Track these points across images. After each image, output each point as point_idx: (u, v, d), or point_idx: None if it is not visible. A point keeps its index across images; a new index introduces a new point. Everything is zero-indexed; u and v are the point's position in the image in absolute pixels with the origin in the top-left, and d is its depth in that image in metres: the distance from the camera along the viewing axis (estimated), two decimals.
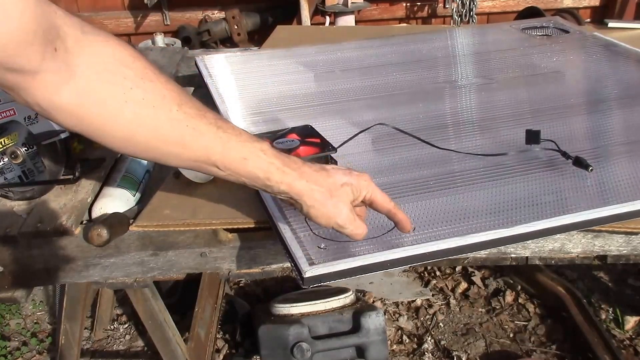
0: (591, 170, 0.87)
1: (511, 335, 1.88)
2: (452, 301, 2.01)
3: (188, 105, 0.65)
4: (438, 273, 2.14)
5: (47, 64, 0.56)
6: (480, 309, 1.99)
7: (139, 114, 0.62)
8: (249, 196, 0.91)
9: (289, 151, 0.92)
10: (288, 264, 0.84)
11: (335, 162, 0.94)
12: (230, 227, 0.88)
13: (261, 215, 0.85)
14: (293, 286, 1.92)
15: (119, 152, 0.66)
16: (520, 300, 2.00)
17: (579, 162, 0.88)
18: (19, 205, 0.97)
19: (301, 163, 0.72)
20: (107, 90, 0.61)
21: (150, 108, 0.63)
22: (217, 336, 1.82)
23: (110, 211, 0.93)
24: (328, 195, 0.70)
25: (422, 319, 1.96)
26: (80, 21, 0.60)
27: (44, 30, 0.55)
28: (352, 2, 2.68)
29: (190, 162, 0.68)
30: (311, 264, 0.70)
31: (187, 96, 0.66)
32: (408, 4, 2.94)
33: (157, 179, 1.04)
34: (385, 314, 1.91)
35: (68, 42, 0.58)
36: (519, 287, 2.05)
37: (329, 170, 0.73)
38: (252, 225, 0.86)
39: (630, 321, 1.88)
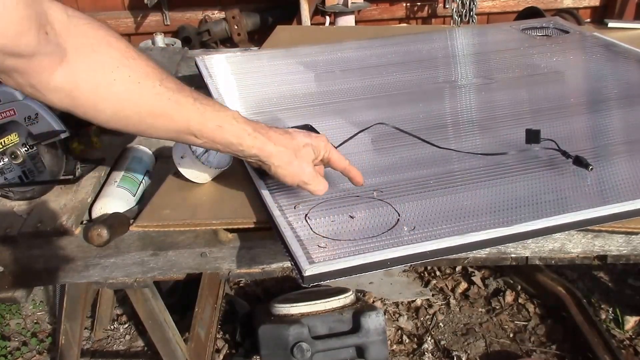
0: (591, 169, 0.87)
1: (511, 335, 1.88)
2: (452, 301, 2.01)
3: (168, 81, 0.70)
4: (438, 273, 2.14)
5: (41, 48, 0.60)
6: (480, 309, 1.99)
7: (126, 90, 0.67)
8: (249, 196, 0.91)
9: None
10: (288, 264, 0.84)
11: None
12: (230, 227, 0.88)
13: (261, 215, 0.85)
14: (293, 286, 1.91)
15: (109, 127, 0.73)
16: (520, 300, 2.00)
17: (579, 162, 0.88)
18: (19, 205, 0.97)
19: (268, 128, 0.78)
20: (97, 69, 0.65)
21: (135, 84, 0.68)
22: (217, 336, 1.82)
23: (110, 211, 0.93)
24: (293, 155, 0.78)
25: (422, 319, 1.96)
26: (63, 5, 0.63)
27: (36, 15, 0.58)
28: (352, 2, 2.67)
29: (172, 134, 0.74)
30: (311, 262, 0.70)
31: (166, 73, 0.71)
32: (408, 4, 2.94)
33: (157, 179, 1.04)
34: (385, 314, 1.91)
35: (56, 26, 0.61)
36: (519, 287, 2.05)
37: (292, 133, 0.81)
38: (252, 225, 0.86)
39: (630, 321, 1.88)
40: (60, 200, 0.96)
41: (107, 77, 0.65)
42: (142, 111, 0.69)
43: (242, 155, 0.78)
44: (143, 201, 0.99)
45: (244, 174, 0.95)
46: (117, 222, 0.88)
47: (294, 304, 1.64)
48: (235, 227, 0.88)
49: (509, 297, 2.01)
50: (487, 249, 0.86)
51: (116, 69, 0.66)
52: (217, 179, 0.95)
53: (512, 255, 0.92)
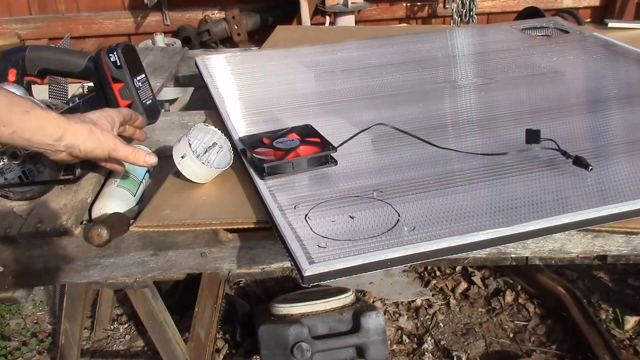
0: (591, 169, 0.87)
1: (511, 335, 1.88)
2: (452, 301, 2.01)
3: None
4: (438, 273, 2.14)
5: None
6: (480, 309, 1.99)
7: None
8: (249, 196, 0.91)
9: (288, 151, 0.92)
10: (288, 264, 0.84)
11: (335, 162, 0.94)
12: (230, 227, 0.88)
13: (261, 215, 0.85)
14: (293, 286, 1.92)
15: None
16: (520, 300, 2.00)
17: (579, 162, 0.88)
18: (19, 206, 0.97)
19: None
20: None
21: None
22: (217, 336, 1.82)
23: (110, 211, 0.93)
24: (93, 127, 0.83)
25: (422, 319, 1.96)
26: None
27: None
28: (352, 2, 2.68)
29: None
30: (311, 262, 0.70)
31: None
32: (408, 4, 2.94)
33: (157, 179, 1.04)
34: (385, 314, 1.91)
35: None
36: (519, 287, 2.05)
37: (84, 114, 0.86)
38: (252, 225, 0.86)
39: (630, 321, 1.88)
40: (60, 200, 0.96)
41: None
42: None
43: (50, 142, 0.80)
44: (143, 201, 0.99)
45: (244, 174, 0.95)
46: (117, 222, 0.88)
47: (294, 304, 1.64)
48: (235, 227, 0.88)
49: (509, 297, 2.01)
50: (487, 249, 0.86)
51: None
52: (217, 179, 0.95)
53: (512, 255, 0.92)
